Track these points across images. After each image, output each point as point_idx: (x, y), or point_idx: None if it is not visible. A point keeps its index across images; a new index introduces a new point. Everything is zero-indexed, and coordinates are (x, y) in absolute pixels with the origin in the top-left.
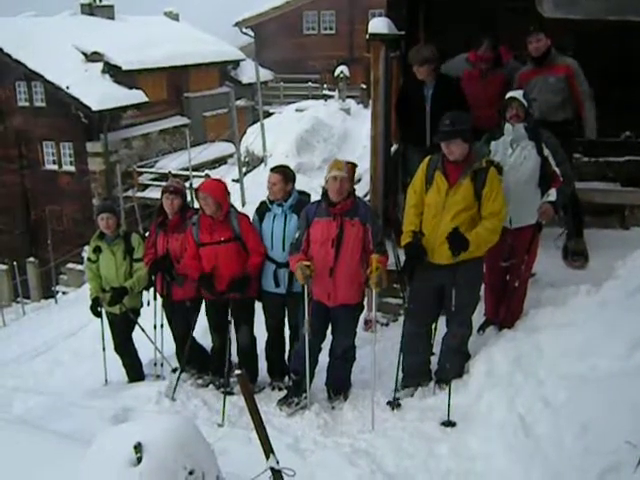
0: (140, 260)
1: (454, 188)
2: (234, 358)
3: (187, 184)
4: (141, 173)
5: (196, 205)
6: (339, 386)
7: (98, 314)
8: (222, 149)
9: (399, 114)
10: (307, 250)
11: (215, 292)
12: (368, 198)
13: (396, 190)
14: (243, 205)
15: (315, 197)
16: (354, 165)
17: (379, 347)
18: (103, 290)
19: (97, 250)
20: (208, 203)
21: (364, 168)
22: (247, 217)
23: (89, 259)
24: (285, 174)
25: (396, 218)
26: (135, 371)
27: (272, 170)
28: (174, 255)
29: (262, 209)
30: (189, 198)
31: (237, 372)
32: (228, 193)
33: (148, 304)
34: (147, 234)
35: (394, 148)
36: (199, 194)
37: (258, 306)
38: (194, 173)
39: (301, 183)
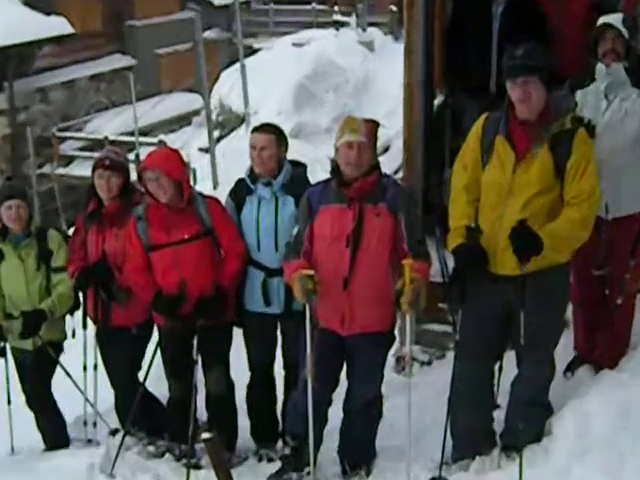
0: (62, 270)
1: (525, 161)
2: (201, 414)
3: (131, 155)
4: (64, 139)
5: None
6: (358, 456)
7: (1, 352)
8: (183, 103)
9: (449, 47)
10: (310, 252)
11: (179, 317)
12: (400, 175)
13: (442, 163)
14: (215, 187)
15: (320, 174)
16: (377, 125)
17: (417, 397)
18: (8, 316)
19: None
20: (162, 185)
21: (394, 130)
22: (219, 201)
23: None
24: (277, 134)
25: (442, 205)
26: (55, 434)
27: (256, 129)
28: (113, 260)
29: (241, 191)
30: (135, 176)
31: (205, 435)
32: (188, 167)
33: (74, 335)
34: (72, 230)
35: (439, 100)
36: (146, 173)
37: (237, 334)
38: (142, 139)
39: (300, 153)
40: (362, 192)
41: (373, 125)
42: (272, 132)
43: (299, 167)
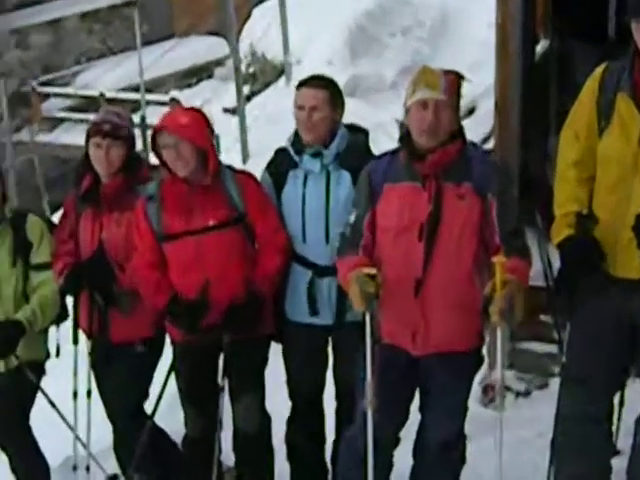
0: (45, 267)
1: None
2: (227, 456)
3: (136, 117)
4: (46, 97)
5: (153, 159)
6: None
7: None
8: (203, 50)
9: None
10: (371, 247)
11: (200, 329)
12: (491, 145)
13: (546, 129)
14: (244, 160)
15: (383, 143)
16: (461, 78)
17: (511, 438)
18: None
19: None
20: (182, 154)
21: (481, 87)
22: (254, 178)
23: None
24: (332, 90)
25: (546, 184)
26: None
27: (304, 84)
28: (114, 254)
29: (282, 164)
30: (141, 145)
31: None
32: (214, 134)
33: (58, 353)
34: (59, 215)
35: (542, 47)
36: (161, 136)
37: (275, 352)
38: (149, 96)
39: (357, 115)
40: (440, 167)
41: (455, 78)
42: (326, 87)
43: (358, 133)
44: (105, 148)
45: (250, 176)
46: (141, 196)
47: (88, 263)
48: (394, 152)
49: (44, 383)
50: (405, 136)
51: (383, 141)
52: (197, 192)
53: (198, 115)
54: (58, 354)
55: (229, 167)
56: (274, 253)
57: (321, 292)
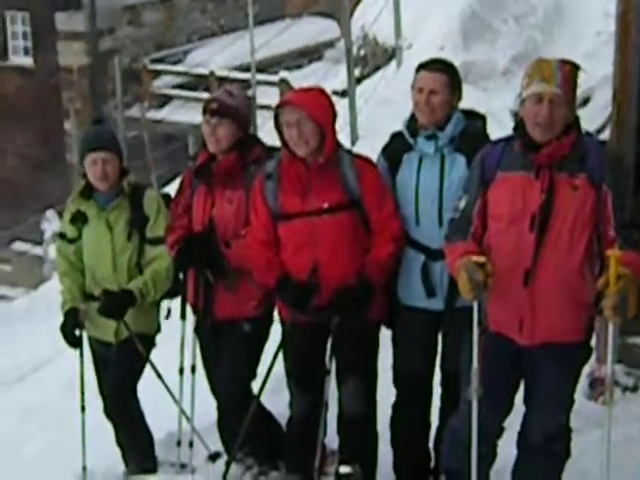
0: (160, 241)
1: None
2: (331, 439)
3: (248, 94)
4: (158, 74)
5: (264, 139)
6: None
7: (76, 341)
8: (314, 32)
9: None
10: (480, 234)
11: (310, 310)
12: (607, 135)
13: None
14: (353, 142)
15: (493, 132)
16: (577, 69)
17: (617, 434)
18: (88, 297)
19: (78, 219)
20: (304, 131)
21: (598, 76)
22: (373, 165)
23: (61, 236)
24: (452, 75)
25: None
26: (140, 453)
27: (425, 67)
28: (223, 231)
29: (397, 148)
30: (253, 124)
31: (344, 469)
32: (335, 114)
33: (168, 315)
34: (175, 190)
35: None
36: (284, 112)
37: (382, 337)
38: (259, 76)
39: (468, 101)
40: (555, 158)
41: (572, 70)
42: (445, 72)
43: (476, 119)
44: (212, 126)
45: (369, 162)
46: (258, 174)
47: (197, 239)
48: (508, 139)
49: (154, 356)
50: (519, 125)
51: (494, 128)
52: (313, 173)
53: (322, 95)
54: (168, 316)
55: (348, 151)
56: (387, 240)
57: (435, 275)
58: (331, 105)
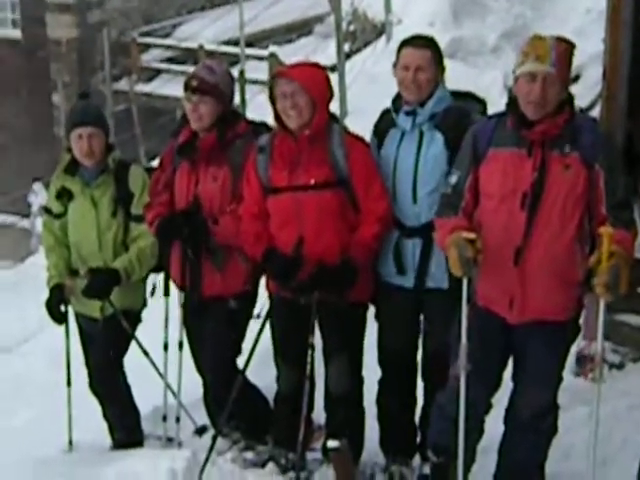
0: (144, 218)
1: None
2: (318, 415)
3: (235, 71)
4: (146, 47)
5: (253, 113)
6: None
7: (61, 317)
8: (304, 6)
9: None
10: (471, 209)
11: (294, 284)
12: (598, 112)
13: None
14: (342, 118)
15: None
16: (573, 47)
17: (604, 410)
18: (73, 272)
19: (64, 195)
20: (297, 103)
21: (588, 53)
22: (364, 143)
23: (47, 211)
24: (436, 50)
25: None
26: (126, 428)
27: (409, 43)
28: (209, 209)
29: (384, 125)
30: (237, 100)
31: (332, 444)
32: (332, 93)
33: (153, 292)
34: (155, 164)
35: None
36: (280, 82)
37: (369, 315)
38: (249, 51)
39: (457, 78)
40: (548, 135)
41: (567, 48)
42: (430, 48)
43: (468, 100)
44: (194, 103)
45: (360, 140)
46: (255, 146)
47: (183, 216)
48: (501, 116)
49: (140, 332)
50: (513, 101)
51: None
52: (303, 149)
53: (319, 70)
54: (153, 293)
55: (345, 129)
56: (373, 221)
57: (405, 253)
58: (327, 82)
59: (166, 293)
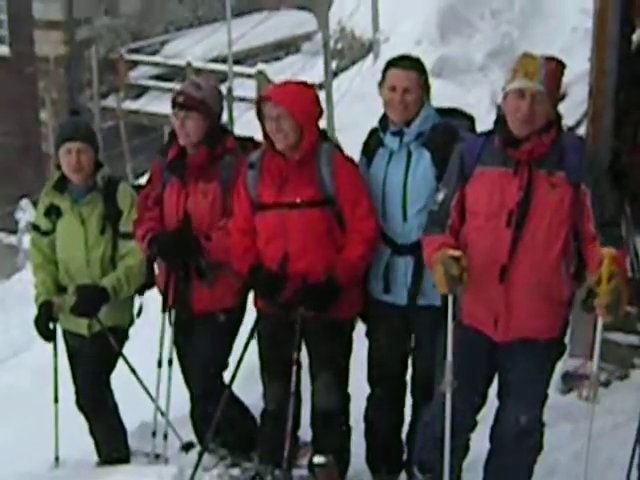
0: (134, 236)
1: None
2: (304, 432)
3: (223, 88)
4: (135, 64)
5: (241, 131)
6: None
7: (50, 335)
8: (292, 24)
9: None
10: (458, 227)
11: (279, 300)
12: (584, 130)
13: (638, 121)
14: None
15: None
16: (563, 67)
17: (587, 427)
18: (61, 289)
19: (52, 212)
20: (282, 127)
21: (574, 72)
22: (351, 161)
23: (35, 228)
24: (422, 70)
25: (637, 175)
26: (112, 444)
27: (395, 64)
28: (199, 225)
29: (372, 144)
30: (226, 116)
31: (318, 460)
32: (321, 111)
33: (139, 314)
34: (143, 182)
35: (638, 36)
36: (266, 106)
37: (357, 331)
38: (237, 68)
39: (444, 96)
40: (534, 155)
41: (557, 67)
42: (417, 69)
43: (456, 116)
44: (181, 119)
45: (346, 159)
46: (245, 163)
47: (175, 234)
48: (489, 134)
49: (127, 350)
50: (500, 119)
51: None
52: (291, 167)
53: (306, 91)
54: (139, 314)
55: (337, 146)
56: (359, 242)
57: (397, 271)
58: (315, 101)
59: (164, 309)
